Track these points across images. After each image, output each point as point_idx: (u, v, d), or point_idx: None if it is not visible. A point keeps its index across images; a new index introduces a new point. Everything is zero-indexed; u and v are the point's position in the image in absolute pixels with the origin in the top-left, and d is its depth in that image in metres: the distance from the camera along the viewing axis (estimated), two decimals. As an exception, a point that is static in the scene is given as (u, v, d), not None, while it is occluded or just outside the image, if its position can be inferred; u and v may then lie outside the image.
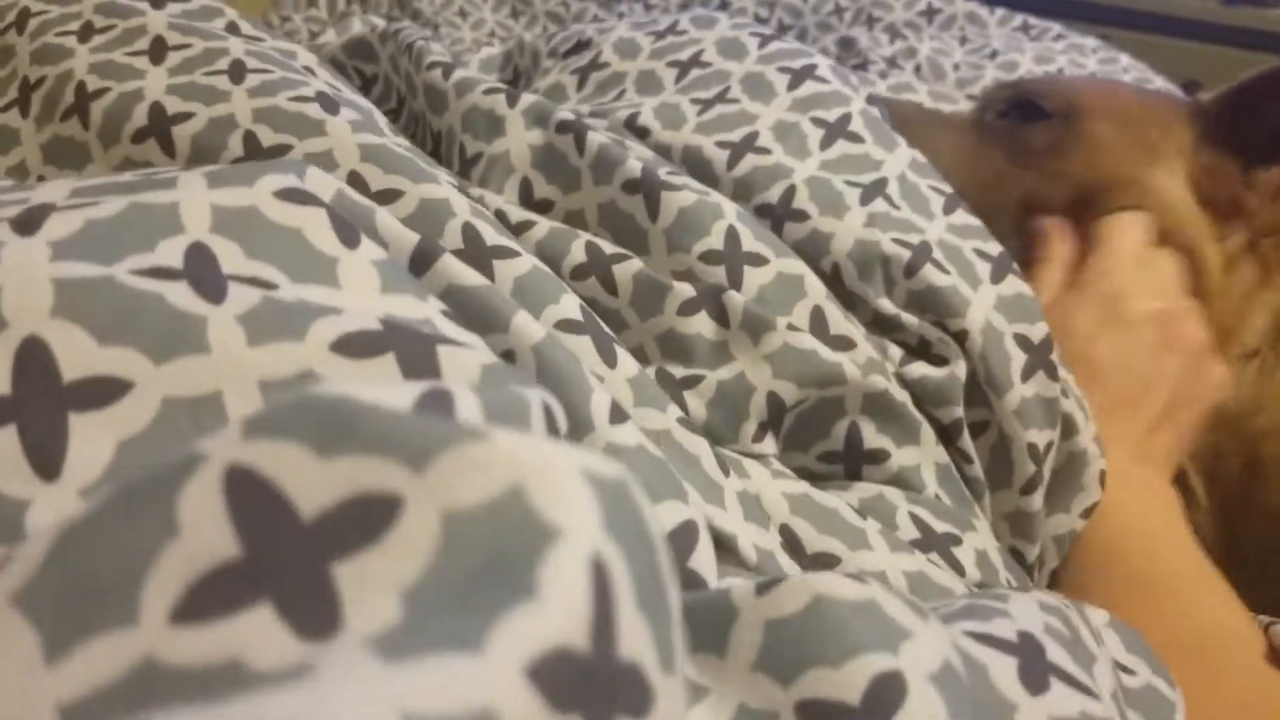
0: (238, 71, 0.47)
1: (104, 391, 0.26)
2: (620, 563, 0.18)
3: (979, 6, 1.03)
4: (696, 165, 0.52)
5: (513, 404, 0.23)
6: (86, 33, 0.49)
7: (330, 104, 0.45)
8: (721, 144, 0.53)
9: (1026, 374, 0.49)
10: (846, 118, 0.55)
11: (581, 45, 0.64)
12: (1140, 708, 0.35)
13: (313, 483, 0.18)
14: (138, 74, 0.47)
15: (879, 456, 0.47)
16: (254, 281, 0.30)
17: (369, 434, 0.18)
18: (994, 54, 0.90)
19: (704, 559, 0.34)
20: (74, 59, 0.48)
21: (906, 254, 0.49)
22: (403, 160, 0.43)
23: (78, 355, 0.26)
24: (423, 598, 0.17)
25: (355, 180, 0.43)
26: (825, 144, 0.53)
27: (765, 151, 0.52)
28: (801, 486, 0.45)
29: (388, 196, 0.42)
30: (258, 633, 0.17)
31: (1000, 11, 1.03)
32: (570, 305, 0.41)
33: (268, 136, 0.44)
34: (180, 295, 0.28)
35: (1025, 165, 0.64)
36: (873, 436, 0.47)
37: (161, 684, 0.17)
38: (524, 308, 0.40)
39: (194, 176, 0.32)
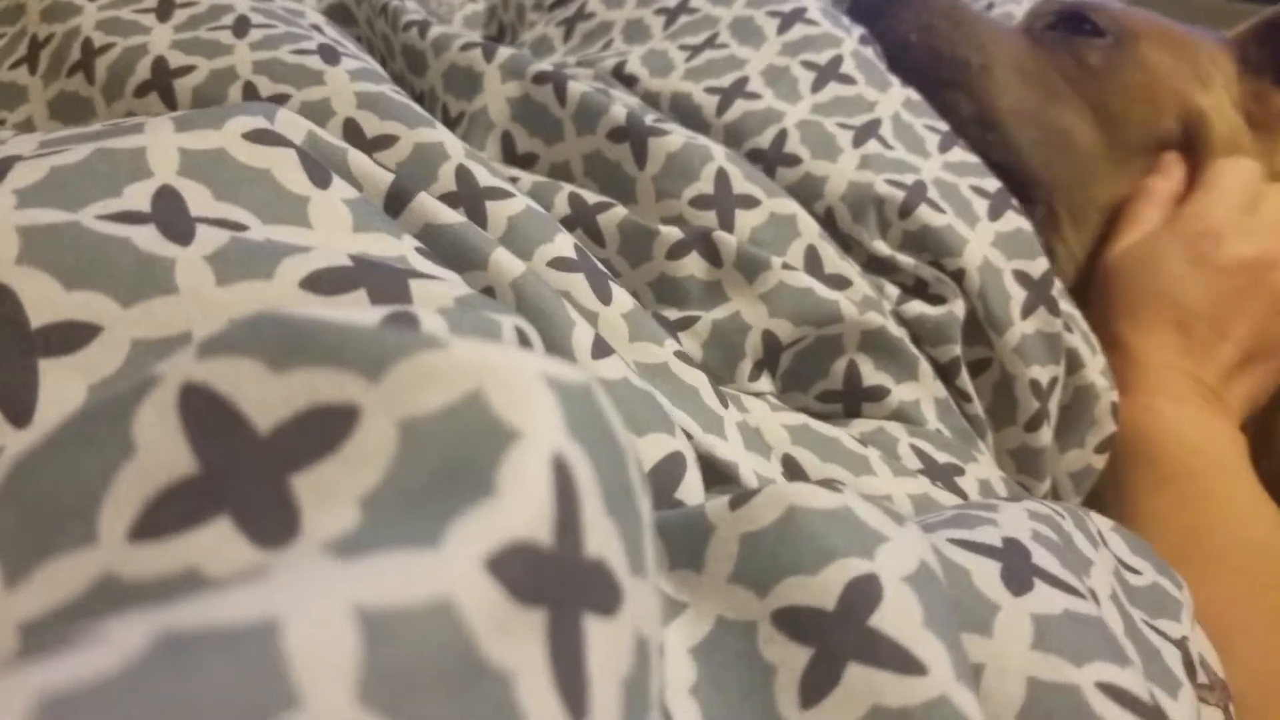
0: (241, 26, 0.46)
1: (73, 336, 0.25)
2: (584, 464, 0.17)
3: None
4: (686, 112, 0.51)
5: (481, 324, 0.22)
6: (94, -11, 0.48)
7: (332, 55, 0.44)
8: (711, 90, 0.51)
9: (1027, 310, 0.48)
10: (838, 59, 0.53)
11: None
12: (1144, 604, 0.34)
13: (268, 396, 0.17)
14: (143, 30, 0.46)
15: (878, 393, 0.46)
16: (223, 223, 0.29)
17: (323, 346, 0.18)
18: (990, 4, 0.88)
19: (691, 490, 0.33)
20: (81, 16, 0.47)
21: (900, 194, 0.48)
22: (399, 106, 0.42)
23: (45, 301, 0.25)
24: (381, 502, 0.16)
25: (351, 127, 0.42)
26: (816, 87, 0.52)
27: (755, 96, 0.51)
28: (801, 419, 0.44)
29: (383, 142, 0.41)
30: (215, 544, 0.16)
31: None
32: (564, 244, 0.40)
33: (266, 87, 0.43)
34: (147, 238, 0.27)
35: (1083, 86, 0.63)
36: (871, 374, 0.46)
37: (120, 598, 0.16)
38: (516, 246, 0.39)
39: (161, 121, 0.32)
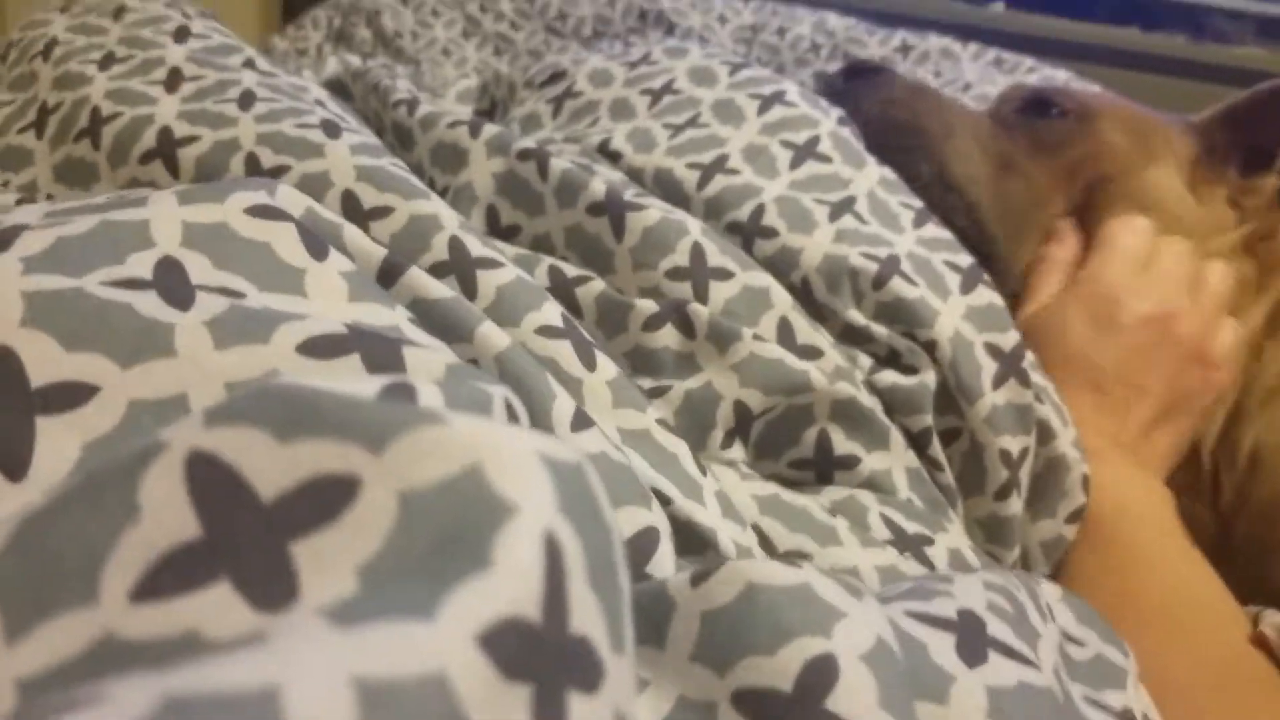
0: (247, 100, 0.47)
1: (71, 395, 0.26)
2: (573, 541, 0.18)
3: (952, 42, 1.04)
4: (668, 186, 0.52)
5: (475, 397, 0.23)
6: (107, 62, 0.50)
7: (333, 129, 0.45)
8: (692, 165, 0.53)
9: (998, 381, 0.48)
10: (815, 139, 0.55)
11: (557, 76, 0.64)
12: (1085, 678, 0.34)
13: (272, 466, 0.18)
14: (150, 100, 0.47)
15: (849, 462, 0.46)
16: (222, 291, 0.30)
17: (328, 419, 0.18)
18: (967, 86, 0.90)
19: (664, 564, 0.34)
20: (91, 85, 0.48)
21: (874, 266, 0.49)
22: (397, 179, 0.44)
23: (46, 361, 0.26)
24: (378, 571, 0.16)
25: (349, 198, 0.43)
26: (794, 164, 0.53)
27: (735, 172, 0.52)
28: (771, 488, 0.44)
29: (380, 213, 0.42)
30: (215, 607, 0.17)
31: (973, 47, 1.03)
32: (551, 312, 0.41)
33: (268, 158, 0.44)
34: (149, 303, 0.28)
35: (1040, 161, 0.64)
36: (842, 443, 0.46)
37: (120, 657, 0.16)
38: (505, 314, 0.40)
39: (165, 195, 0.32)
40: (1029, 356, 0.50)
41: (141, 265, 0.29)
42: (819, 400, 0.46)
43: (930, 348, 0.48)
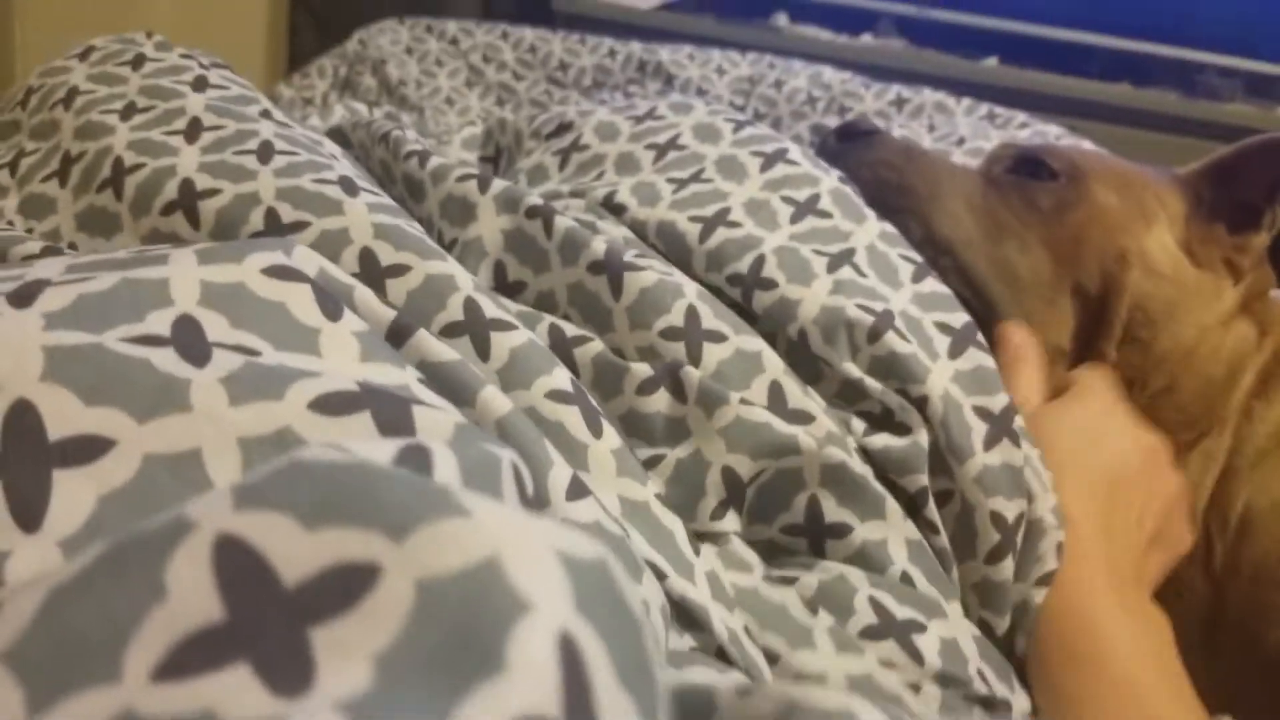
0: (266, 152, 0.48)
1: (88, 449, 0.26)
2: (594, 641, 0.18)
3: (946, 97, 1.06)
4: (671, 239, 0.53)
5: (485, 462, 0.23)
6: (129, 112, 0.51)
7: (351, 187, 0.46)
8: (695, 219, 0.53)
9: (989, 443, 0.48)
10: (816, 197, 0.56)
11: (564, 128, 0.65)
12: None
13: (297, 552, 0.18)
14: (172, 151, 0.48)
15: (841, 530, 0.46)
16: (238, 349, 0.30)
17: (354, 507, 0.18)
18: (961, 140, 0.92)
19: (655, 636, 0.34)
20: (114, 136, 0.49)
21: (870, 319, 0.49)
22: (413, 239, 0.44)
23: (64, 415, 0.26)
24: (393, 664, 0.17)
25: (367, 256, 0.43)
26: (795, 219, 0.54)
27: (736, 225, 0.53)
28: (753, 580, 0.44)
29: (396, 271, 0.43)
30: (233, 689, 0.17)
31: (967, 101, 1.06)
32: (561, 377, 0.42)
33: (287, 213, 0.45)
34: (166, 359, 0.28)
35: (1032, 225, 0.64)
36: (833, 510, 0.46)
37: None
38: (516, 377, 0.40)
39: (184, 253, 0.33)
40: (1019, 420, 0.50)
41: (160, 323, 0.30)
42: (808, 464, 0.46)
43: (922, 404, 0.48)
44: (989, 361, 0.51)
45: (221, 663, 0.17)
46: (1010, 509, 0.48)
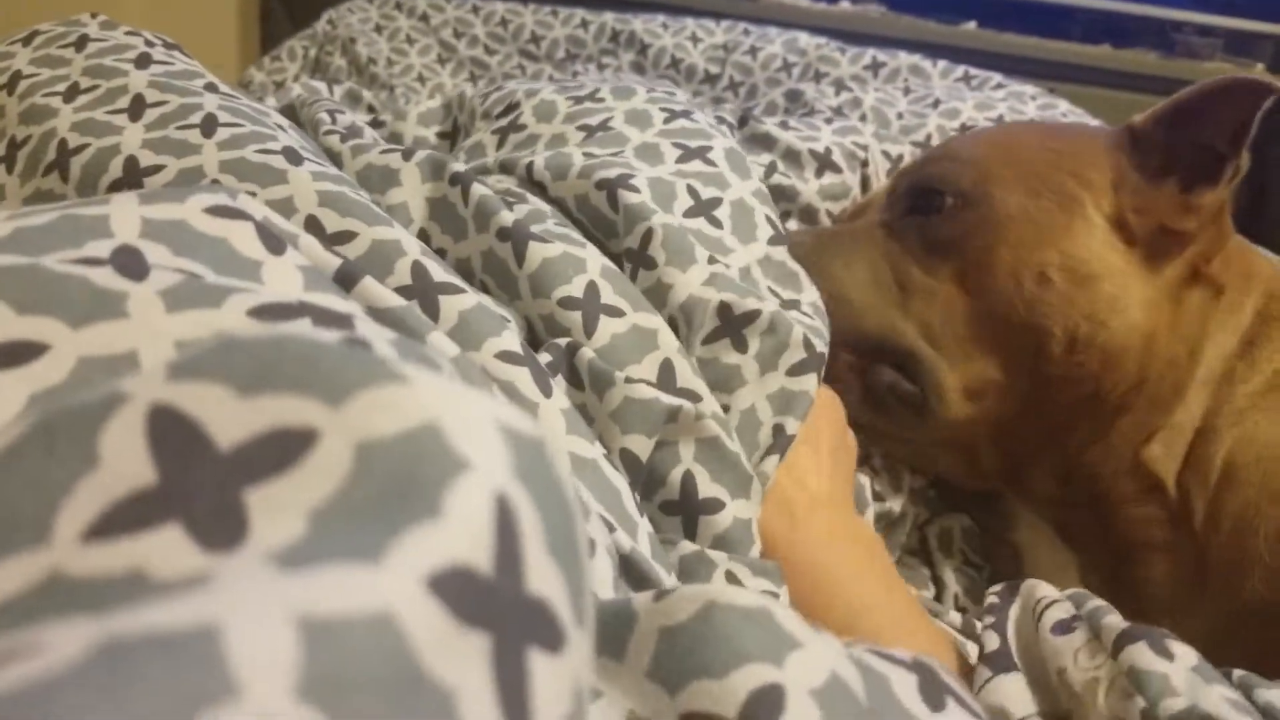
0: (209, 125, 0.48)
1: (19, 353, 0.26)
2: (528, 507, 0.18)
3: (922, 60, 1.05)
4: (590, 213, 0.54)
5: (425, 356, 0.23)
6: (72, 93, 0.50)
7: (295, 156, 0.46)
8: (600, 184, 0.54)
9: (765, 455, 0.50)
10: (717, 200, 0.56)
11: (510, 108, 0.66)
12: None
13: (232, 418, 0.18)
14: (116, 130, 0.47)
15: (714, 506, 0.46)
16: (178, 272, 0.30)
17: (289, 373, 0.18)
18: (936, 103, 0.91)
19: (600, 575, 0.34)
20: (58, 118, 0.49)
21: (717, 323, 0.50)
22: (358, 205, 0.44)
23: None
24: (328, 516, 0.17)
25: (313, 223, 0.43)
26: (690, 213, 0.55)
27: (635, 191, 0.53)
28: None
29: (343, 238, 0.43)
30: (163, 548, 0.17)
31: (942, 64, 1.04)
32: (510, 339, 0.42)
33: (232, 185, 0.44)
34: (103, 275, 0.28)
35: (938, 268, 0.61)
36: (707, 485, 0.46)
37: (63, 595, 0.17)
38: (466, 339, 0.40)
39: (126, 196, 0.33)
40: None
41: (99, 249, 0.30)
42: (684, 435, 0.46)
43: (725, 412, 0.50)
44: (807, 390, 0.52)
45: (152, 523, 0.17)
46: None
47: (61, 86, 0.51)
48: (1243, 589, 0.57)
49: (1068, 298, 0.59)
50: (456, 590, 0.16)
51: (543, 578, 0.18)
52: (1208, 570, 0.59)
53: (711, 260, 0.52)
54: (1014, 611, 0.47)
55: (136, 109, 0.49)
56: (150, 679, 0.13)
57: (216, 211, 0.34)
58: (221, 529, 0.17)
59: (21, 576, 0.17)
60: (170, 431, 0.18)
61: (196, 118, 0.48)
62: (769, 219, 0.58)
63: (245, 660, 0.13)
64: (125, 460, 0.18)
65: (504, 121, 0.65)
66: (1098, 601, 0.43)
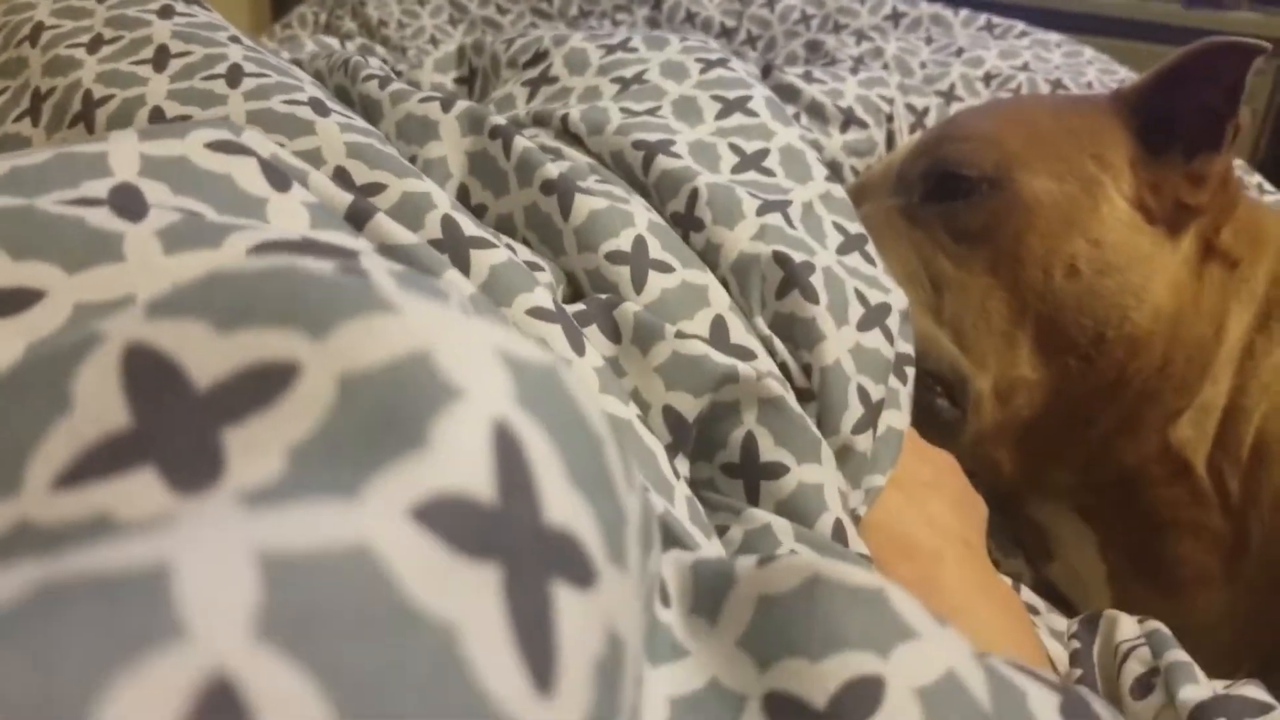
0: (235, 76, 0.47)
1: (16, 301, 0.25)
2: (538, 435, 0.17)
3: (944, 8, 1.03)
4: (623, 168, 0.52)
5: (429, 287, 0.22)
6: (96, 44, 0.50)
7: (322, 107, 0.45)
8: (638, 145, 0.52)
9: (860, 428, 0.47)
10: (764, 152, 0.54)
11: (539, 56, 0.64)
12: None
13: (211, 355, 0.17)
14: (141, 81, 0.47)
15: (777, 470, 0.43)
16: (178, 211, 0.29)
17: (272, 306, 0.17)
18: (959, 51, 0.90)
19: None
20: (82, 69, 0.48)
21: (780, 274, 0.47)
22: (387, 157, 0.43)
23: None
24: (308, 454, 0.15)
25: (341, 175, 0.42)
26: (736, 169, 0.53)
27: (677, 156, 0.51)
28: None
29: (372, 190, 0.42)
30: (132, 491, 0.16)
31: (964, 12, 1.03)
32: (542, 295, 0.40)
33: None
34: (100, 217, 0.27)
35: (970, 260, 0.59)
36: (770, 449, 0.44)
37: (28, 544, 0.16)
38: (498, 294, 0.39)
39: (125, 133, 0.32)
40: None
41: (96, 189, 0.29)
42: (745, 396, 0.44)
43: (807, 371, 0.47)
44: (887, 348, 0.49)
45: (125, 467, 0.16)
46: (850, 497, 0.47)
47: (85, 38, 0.50)
48: None
49: (1096, 290, 0.57)
50: (450, 520, 0.15)
51: (565, 508, 0.16)
52: (1247, 544, 0.58)
53: (761, 211, 0.49)
54: (1096, 653, 0.44)
55: (161, 59, 0.48)
56: (85, 621, 0.12)
57: (219, 147, 0.32)
58: (196, 470, 0.16)
59: None
60: (146, 372, 0.17)
61: (222, 68, 0.47)
62: (819, 160, 0.56)
63: (194, 600, 0.12)
64: (98, 403, 0.17)
65: (534, 72, 0.63)
66: (1178, 655, 0.40)
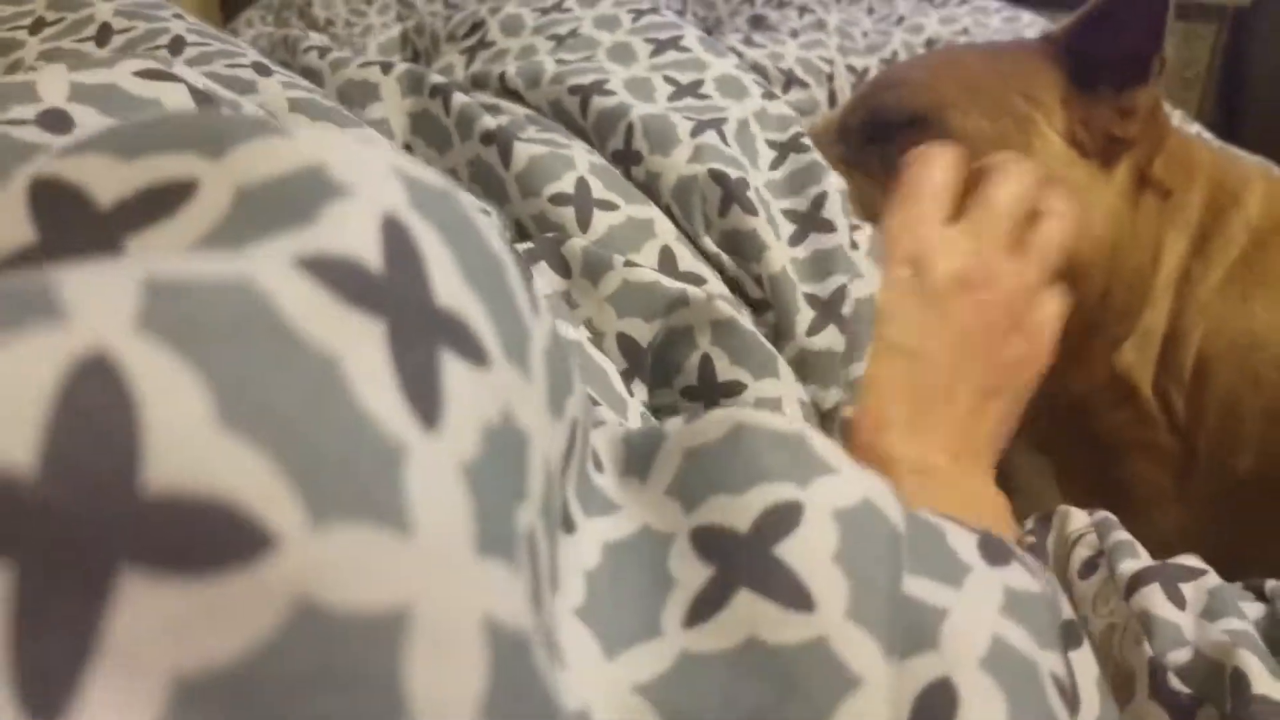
0: (177, 45, 0.47)
1: None
2: (430, 234, 0.17)
3: (885, -21, 1.05)
4: (563, 115, 0.53)
5: (331, 127, 0.23)
6: (37, 26, 0.50)
7: (264, 69, 0.46)
8: (574, 89, 0.53)
9: (814, 329, 0.47)
10: (699, 82, 0.55)
11: (475, 27, 0.65)
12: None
13: (114, 179, 0.18)
14: (83, 57, 0.47)
15: (734, 389, 0.44)
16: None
17: (171, 135, 0.18)
18: (900, 19, 0.91)
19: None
20: (24, 50, 0.48)
21: (719, 191, 0.48)
22: (330, 110, 0.44)
23: None
24: (204, 247, 0.16)
25: None
26: (673, 97, 0.53)
27: (611, 94, 0.52)
28: None
29: None
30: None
31: (905, -18, 1.05)
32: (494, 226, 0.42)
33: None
34: (26, 133, 0.28)
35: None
36: (726, 369, 0.44)
37: None
38: None
39: (56, 66, 0.33)
40: (847, 305, 0.47)
41: (24, 113, 0.29)
42: (697, 320, 0.44)
43: (759, 282, 0.47)
44: (828, 243, 0.49)
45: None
46: (825, 398, 0.47)
47: (26, 20, 0.50)
48: (1235, 469, 0.58)
49: None
50: (335, 274, 0.15)
51: (454, 296, 0.17)
52: (1196, 459, 0.60)
53: (695, 132, 0.50)
54: (1050, 545, 0.44)
55: (104, 36, 0.48)
56: None
57: (148, 75, 0.33)
58: None
59: None
60: (51, 197, 0.18)
61: (164, 39, 0.48)
62: (756, 82, 0.56)
63: (77, 295, 0.13)
64: (5, 230, 0.17)
65: (471, 41, 0.64)
66: (1121, 535, 0.41)
